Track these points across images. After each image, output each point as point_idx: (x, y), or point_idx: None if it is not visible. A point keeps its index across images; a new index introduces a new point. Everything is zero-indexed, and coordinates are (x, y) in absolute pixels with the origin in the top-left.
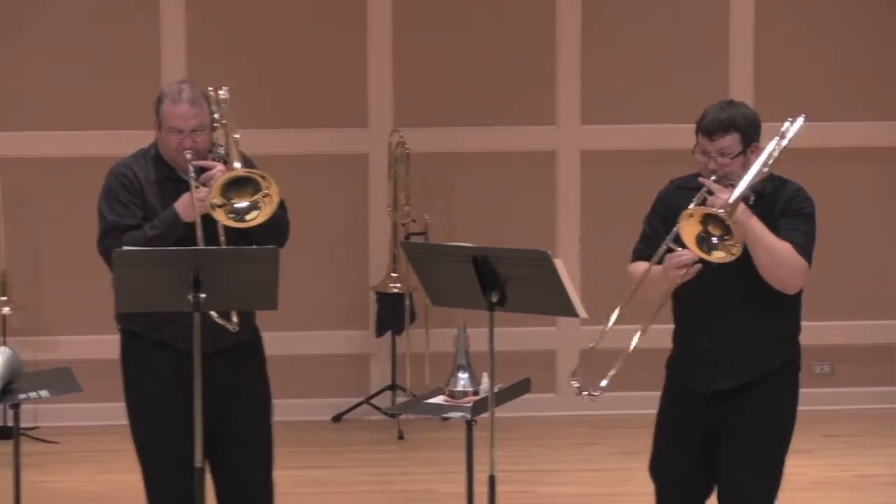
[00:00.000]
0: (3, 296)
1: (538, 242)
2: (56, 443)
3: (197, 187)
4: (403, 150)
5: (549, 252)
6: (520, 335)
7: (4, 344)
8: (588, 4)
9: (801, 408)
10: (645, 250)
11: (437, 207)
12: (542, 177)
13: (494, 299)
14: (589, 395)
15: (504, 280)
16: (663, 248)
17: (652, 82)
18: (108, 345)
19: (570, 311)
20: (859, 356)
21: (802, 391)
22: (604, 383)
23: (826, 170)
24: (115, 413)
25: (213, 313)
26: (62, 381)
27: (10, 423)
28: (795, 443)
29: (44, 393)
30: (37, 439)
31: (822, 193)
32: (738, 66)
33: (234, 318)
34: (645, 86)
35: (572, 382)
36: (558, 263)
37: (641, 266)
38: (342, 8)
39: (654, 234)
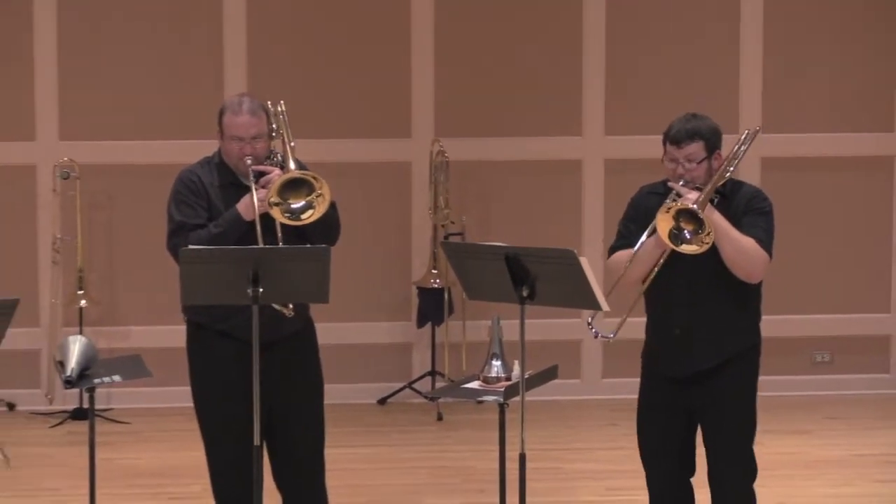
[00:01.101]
0: (80, 290)
1: (565, 242)
2: (128, 423)
3: (256, 189)
4: (443, 158)
5: (575, 251)
6: (548, 326)
7: (81, 333)
8: (611, 27)
9: (803, 392)
10: (621, 247)
11: (474, 210)
12: (569, 183)
13: (525, 294)
14: (603, 336)
15: (534, 276)
16: (643, 238)
17: (669, 97)
18: (175, 334)
19: (594, 305)
20: (856, 346)
21: (804, 377)
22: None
23: (823, 178)
24: (182, 396)
25: (275, 305)
26: (133, 367)
27: (86, 405)
28: (799, 423)
29: (116, 378)
30: (110, 420)
31: (822, 199)
32: (748, 84)
33: (290, 305)
34: (663, 100)
35: (590, 328)
36: (583, 261)
37: (623, 254)
38: (388, 32)
39: (629, 234)
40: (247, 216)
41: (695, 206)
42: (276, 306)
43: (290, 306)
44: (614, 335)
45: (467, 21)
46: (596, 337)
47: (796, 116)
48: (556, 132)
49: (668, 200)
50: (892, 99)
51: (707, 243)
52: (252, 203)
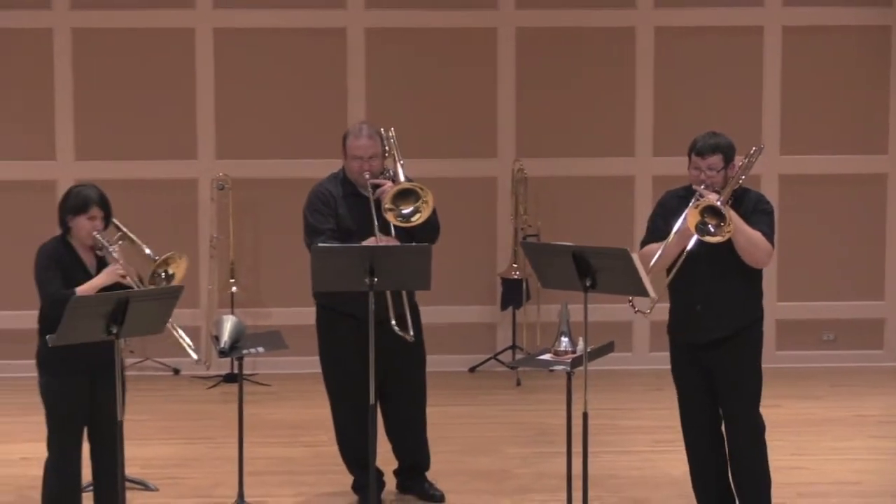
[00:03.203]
0: (232, 278)
1: (620, 243)
2: (269, 385)
3: (376, 205)
4: (522, 174)
5: (629, 249)
6: (606, 310)
7: (232, 313)
8: (658, 69)
9: (813, 364)
10: (649, 241)
11: (547, 216)
12: (623, 196)
13: (588, 283)
14: (640, 311)
15: (595, 269)
16: (676, 229)
17: (706, 124)
18: (307, 314)
19: (643, 293)
20: (856, 327)
21: (814, 352)
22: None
23: (830, 191)
24: (312, 364)
25: (394, 327)
26: (273, 340)
27: (236, 371)
28: (809, 390)
29: (260, 349)
30: (255, 382)
31: (829, 209)
32: (769, 114)
33: (411, 332)
34: (700, 126)
35: (631, 306)
36: (635, 258)
37: (653, 247)
38: (478, 76)
39: (656, 229)
40: None
41: (718, 202)
42: (399, 332)
43: (411, 333)
44: (650, 311)
45: (541, 65)
46: (635, 312)
47: (808, 142)
48: (614, 153)
49: (693, 201)
50: (886, 128)
51: (728, 233)
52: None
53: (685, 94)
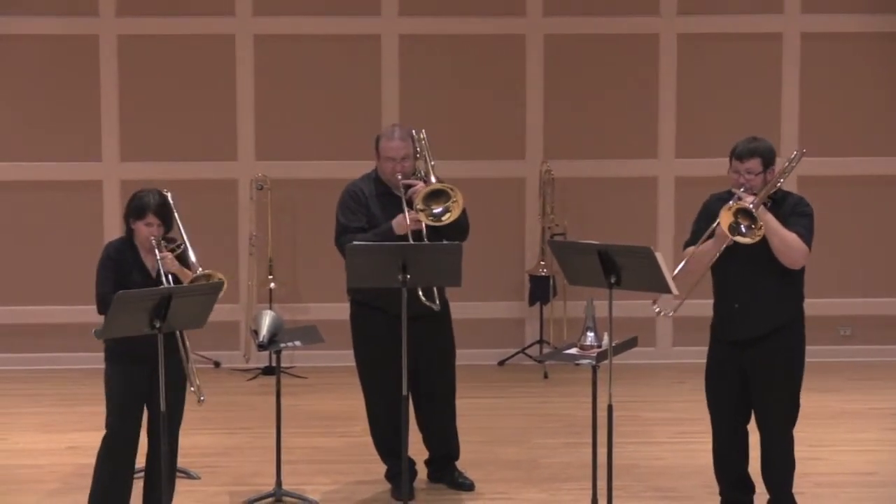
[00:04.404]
0: (270, 275)
1: (643, 241)
2: (305, 377)
3: (406, 198)
4: (550, 175)
5: (652, 248)
6: (630, 306)
7: (271, 308)
8: (681, 75)
9: (830, 359)
10: (692, 243)
11: (573, 216)
12: (647, 196)
13: (613, 280)
14: (664, 314)
15: (620, 267)
16: (712, 228)
17: (725, 127)
18: (342, 310)
19: (666, 290)
20: (872, 323)
21: (832, 347)
22: (672, 312)
23: (848, 192)
24: (347, 357)
25: (421, 296)
26: (310, 334)
27: (274, 364)
28: (826, 383)
29: (297, 343)
30: (292, 375)
31: (847, 210)
32: (788, 119)
33: (437, 301)
34: (721, 130)
35: (654, 308)
36: (658, 256)
37: (691, 249)
38: (508, 83)
39: (699, 231)
40: (398, 231)
41: (750, 205)
42: (425, 301)
43: (437, 302)
44: (673, 312)
45: (568, 70)
46: (658, 314)
47: (826, 144)
48: (637, 155)
49: (730, 202)
50: None
51: (758, 236)
52: (404, 223)
53: (707, 99)
